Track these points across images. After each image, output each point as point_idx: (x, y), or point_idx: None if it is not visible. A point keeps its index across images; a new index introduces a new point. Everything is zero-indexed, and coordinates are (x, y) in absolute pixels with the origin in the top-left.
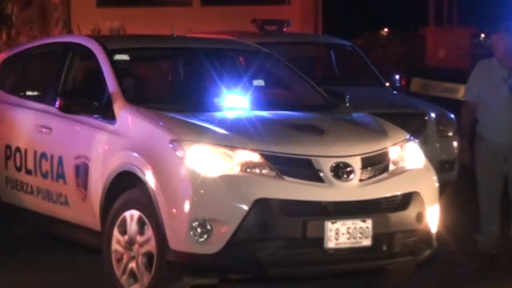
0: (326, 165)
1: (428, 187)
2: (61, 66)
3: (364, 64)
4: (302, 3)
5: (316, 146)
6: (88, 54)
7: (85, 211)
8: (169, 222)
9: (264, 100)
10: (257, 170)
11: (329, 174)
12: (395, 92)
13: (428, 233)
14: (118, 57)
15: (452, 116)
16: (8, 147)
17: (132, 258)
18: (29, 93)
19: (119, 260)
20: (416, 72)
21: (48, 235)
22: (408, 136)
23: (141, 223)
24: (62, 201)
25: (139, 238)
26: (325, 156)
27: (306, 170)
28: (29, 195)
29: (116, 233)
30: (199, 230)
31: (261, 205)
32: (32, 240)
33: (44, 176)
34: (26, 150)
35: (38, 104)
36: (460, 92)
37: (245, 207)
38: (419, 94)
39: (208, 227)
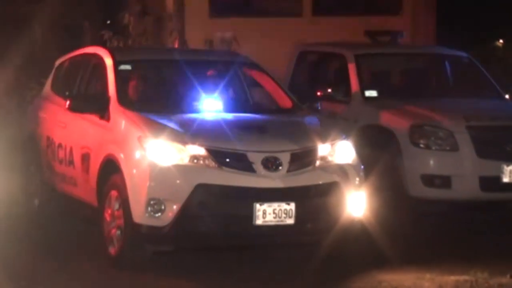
0: (258, 159)
1: (350, 178)
2: (84, 72)
3: (481, 76)
4: (414, 14)
5: (253, 143)
6: (102, 63)
7: (88, 191)
8: (133, 201)
9: (234, 104)
10: (201, 162)
11: (260, 166)
12: None
13: (349, 216)
14: (122, 67)
15: None
16: (47, 137)
17: (113, 228)
18: (63, 93)
19: (107, 229)
20: None
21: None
22: (342, 136)
23: (117, 201)
24: (73, 183)
25: (116, 213)
26: (258, 151)
27: (242, 162)
28: (55, 176)
29: (105, 208)
30: (155, 207)
31: (201, 188)
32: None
33: (60, 162)
34: (54, 141)
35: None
36: None
37: (188, 190)
38: None
39: (162, 205)
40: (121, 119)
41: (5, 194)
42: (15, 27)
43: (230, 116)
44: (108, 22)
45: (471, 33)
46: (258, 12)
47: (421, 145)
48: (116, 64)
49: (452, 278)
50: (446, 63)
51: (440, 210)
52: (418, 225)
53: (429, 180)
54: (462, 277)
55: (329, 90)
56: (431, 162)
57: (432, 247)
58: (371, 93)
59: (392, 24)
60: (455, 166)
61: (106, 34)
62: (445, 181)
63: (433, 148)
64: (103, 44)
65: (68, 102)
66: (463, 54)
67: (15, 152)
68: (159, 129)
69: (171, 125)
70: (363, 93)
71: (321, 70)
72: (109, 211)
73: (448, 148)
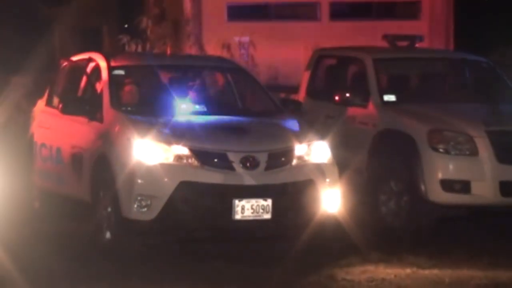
0: (237, 158)
1: (324, 177)
2: (81, 75)
3: (501, 80)
4: (432, 18)
5: (233, 143)
6: (97, 68)
7: (81, 188)
8: (121, 197)
9: (218, 107)
10: (185, 161)
11: (239, 165)
12: None
13: (324, 212)
14: (116, 72)
15: None
16: (46, 141)
17: (105, 223)
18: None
19: (101, 223)
20: None
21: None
22: (318, 137)
23: (108, 197)
24: (68, 182)
25: (108, 208)
26: (238, 151)
27: (222, 161)
28: (53, 177)
29: (99, 203)
30: (142, 202)
31: (183, 185)
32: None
33: (58, 163)
34: (52, 143)
35: None
36: None
37: (172, 187)
38: None
39: (148, 200)
40: (113, 121)
41: (10, 196)
42: (35, 31)
43: (213, 118)
44: (126, 26)
45: (490, 37)
46: (275, 17)
47: (440, 150)
48: (110, 69)
49: (472, 283)
50: (465, 67)
51: (459, 215)
52: (437, 230)
53: (448, 185)
54: (482, 282)
55: (348, 95)
56: (451, 167)
57: (451, 253)
58: (389, 98)
59: (411, 28)
60: (474, 171)
61: (124, 38)
62: (464, 186)
63: (453, 153)
64: (121, 48)
65: (60, 106)
66: (482, 59)
67: (23, 155)
68: (146, 130)
69: (158, 126)
70: (381, 98)
71: (340, 74)
72: (101, 207)
73: (467, 152)
